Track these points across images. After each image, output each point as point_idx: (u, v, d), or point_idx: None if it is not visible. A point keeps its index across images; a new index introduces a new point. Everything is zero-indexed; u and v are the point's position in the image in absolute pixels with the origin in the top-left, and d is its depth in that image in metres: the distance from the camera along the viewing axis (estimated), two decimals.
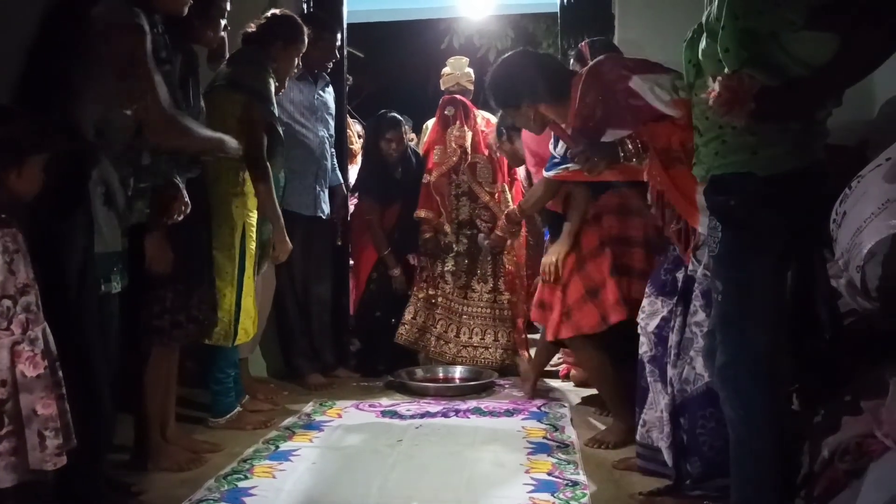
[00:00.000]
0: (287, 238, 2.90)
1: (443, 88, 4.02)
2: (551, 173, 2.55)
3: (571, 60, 3.17)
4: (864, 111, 2.64)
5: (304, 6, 3.81)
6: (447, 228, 3.73)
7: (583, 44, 3.09)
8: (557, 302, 2.69)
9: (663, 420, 2.04)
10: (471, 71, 4.02)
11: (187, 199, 2.20)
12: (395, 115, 3.89)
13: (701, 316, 1.98)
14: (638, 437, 2.21)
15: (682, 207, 1.93)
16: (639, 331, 2.19)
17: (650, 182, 2.03)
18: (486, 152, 3.80)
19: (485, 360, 3.66)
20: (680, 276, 2.08)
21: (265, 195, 2.77)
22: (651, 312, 2.15)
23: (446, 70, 4.04)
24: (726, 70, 1.49)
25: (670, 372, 2.03)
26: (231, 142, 2.34)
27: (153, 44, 1.97)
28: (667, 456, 2.04)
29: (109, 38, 1.88)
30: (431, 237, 3.74)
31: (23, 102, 1.84)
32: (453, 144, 3.76)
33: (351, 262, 4.05)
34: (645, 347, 2.16)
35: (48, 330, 1.66)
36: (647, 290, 2.21)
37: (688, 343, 2.02)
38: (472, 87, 4.00)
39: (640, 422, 2.19)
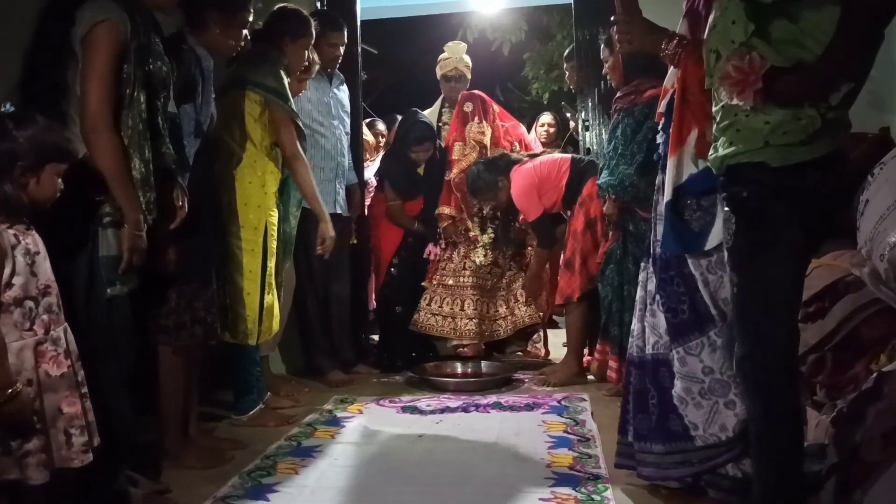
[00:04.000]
0: (331, 229, 2.94)
1: (439, 74, 4.01)
2: None
3: (601, 46, 3.14)
4: (886, 98, 2.60)
5: (318, 4, 3.83)
6: (469, 224, 3.75)
7: (613, 29, 3.03)
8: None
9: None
10: (468, 57, 4.00)
11: (184, 202, 2.18)
12: (425, 126, 3.85)
13: (654, 286, 2.00)
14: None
15: (680, 125, 1.88)
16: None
17: (670, 91, 1.95)
18: (507, 146, 3.80)
19: (516, 322, 3.75)
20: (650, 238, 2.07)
21: (308, 189, 2.82)
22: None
23: (444, 55, 4.01)
24: (733, 43, 1.48)
25: (636, 325, 2.08)
26: (132, 213, 1.92)
27: (136, 42, 1.94)
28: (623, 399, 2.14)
29: (84, 36, 1.88)
30: (450, 224, 3.77)
31: (26, 106, 1.85)
32: (472, 141, 3.75)
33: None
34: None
35: (69, 329, 1.68)
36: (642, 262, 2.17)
37: (646, 306, 2.03)
38: (469, 75, 3.99)
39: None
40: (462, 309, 3.71)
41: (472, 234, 3.77)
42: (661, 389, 1.97)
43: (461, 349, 3.75)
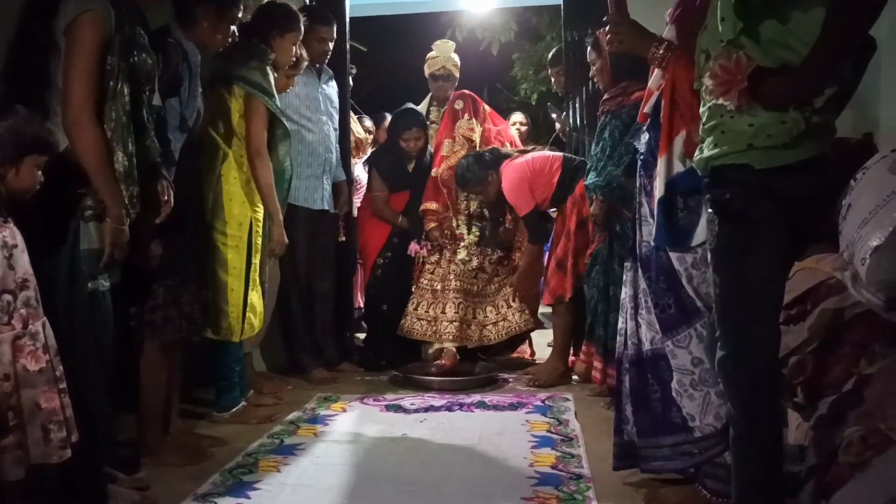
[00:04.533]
0: (284, 232, 2.90)
1: (427, 73, 4.01)
2: None
3: (588, 49, 3.15)
4: (870, 103, 2.62)
5: (307, 0, 3.82)
6: (454, 222, 3.71)
7: (599, 31, 3.04)
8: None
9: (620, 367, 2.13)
10: (456, 56, 4.00)
11: (170, 195, 2.16)
12: (413, 113, 3.87)
13: (645, 284, 2.01)
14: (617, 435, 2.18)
15: (668, 127, 1.89)
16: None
17: (658, 93, 1.95)
18: (497, 145, 3.77)
19: (510, 328, 3.67)
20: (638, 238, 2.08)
21: (265, 188, 2.77)
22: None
23: (432, 54, 4.01)
24: (721, 42, 1.48)
25: (622, 323, 2.08)
26: (114, 206, 1.89)
27: (121, 34, 1.92)
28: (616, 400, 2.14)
29: (67, 27, 1.86)
30: (436, 227, 3.72)
31: (8, 98, 1.83)
32: (461, 137, 3.73)
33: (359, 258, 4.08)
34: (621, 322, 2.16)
35: (48, 324, 1.66)
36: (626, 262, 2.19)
37: (638, 305, 2.05)
38: (457, 74, 4.00)
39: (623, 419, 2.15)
40: (443, 312, 3.64)
41: (458, 231, 3.72)
42: (662, 382, 2.00)
43: (438, 362, 3.61)
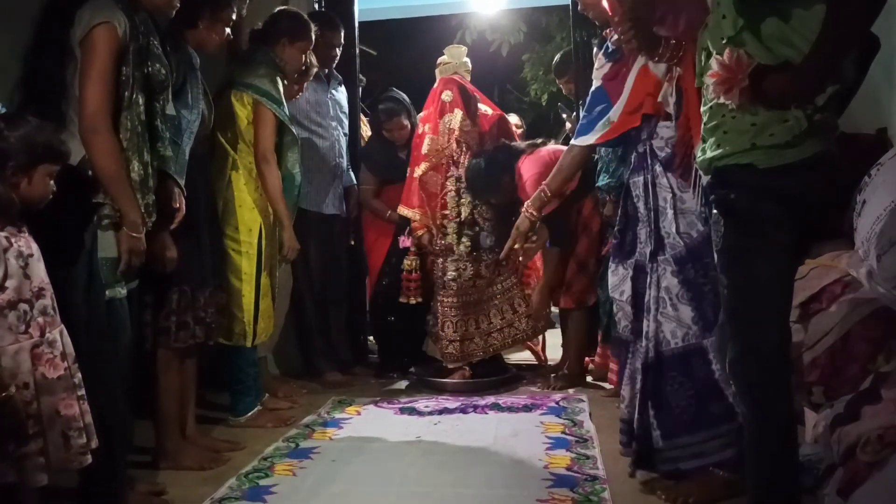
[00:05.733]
0: (294, 237, 2.91)
1: (439, 78, 3.94)
2: (584, 139, 2.32)
3: (594, 49, 3.13)
4: (884, 98, 2.59)
5: (316, 5, 3.83)
6: (434, 229, 3.43)
7: (606, 32, 3.02)
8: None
9: (634, 370, 2.08)
10: (468, 61, 3.80)
11: (182, 202, 2.17)
12: (393, 101, 3.70)
13: (672, 281, 1.99)
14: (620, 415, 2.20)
15: (692, 124, 1.85)
16: (615, 308, 2.20)
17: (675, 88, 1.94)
18: (495, 132, 3.53)
19: (516, 336, 3.45)
20: (642, 233, 2.06)
21: (273, 194, 2.79)
22: (621, 279, 2.15)
23: (443, 59, 3.75)
24: (723, 40, 1.48)
25: (645, 326, 2.05)
26: (130, 214, 1.93)
27: (135, 44, 1.94)
28: (626, 407, 2.11)
29: (83, 38, 1.88)
30: (425, 233, 3.43)
31: (25, 105, 1.86)
32: (446, 135, 3.41)
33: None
34: (624, 322, 2.15)
35: (65, 331, 1.68)
36: (610, 263, 2.20)
37: (659, 305, 2.03)
38: (469, 78, 3.79)
39: (621, 398, 2.19)
40: (443, 330, 3.37)
41: (445, 241, 3.38)
42: (695, 379, 1.98)
43: (451, 376, 3.43)
